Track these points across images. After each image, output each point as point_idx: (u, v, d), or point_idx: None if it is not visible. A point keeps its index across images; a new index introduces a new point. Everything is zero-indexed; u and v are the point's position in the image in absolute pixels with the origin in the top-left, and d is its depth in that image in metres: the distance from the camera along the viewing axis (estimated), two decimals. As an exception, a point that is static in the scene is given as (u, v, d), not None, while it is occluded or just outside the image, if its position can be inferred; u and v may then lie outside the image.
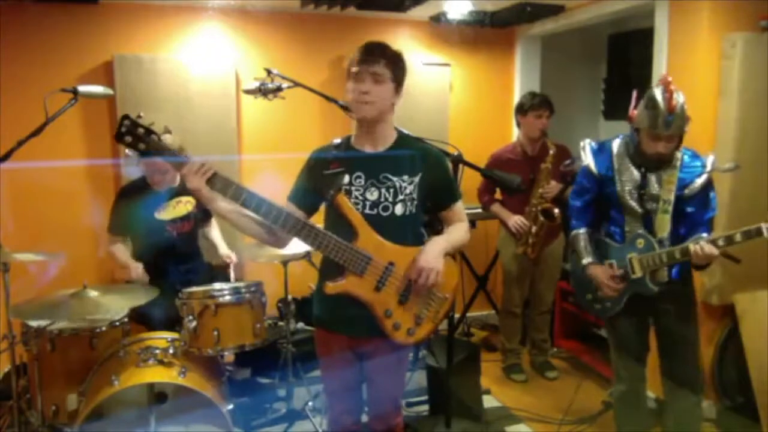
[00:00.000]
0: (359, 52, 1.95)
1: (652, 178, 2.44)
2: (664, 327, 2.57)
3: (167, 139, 3.05)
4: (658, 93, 2.33)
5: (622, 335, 2.62)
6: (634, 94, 2.45)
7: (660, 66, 3.27)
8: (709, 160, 2.44)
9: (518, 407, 3.44)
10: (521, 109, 3.68)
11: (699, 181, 2.41)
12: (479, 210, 3.94)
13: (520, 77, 4.65)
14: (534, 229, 3.61)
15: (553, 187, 3.61)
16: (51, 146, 3.32)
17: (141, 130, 1.84)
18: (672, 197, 2.39)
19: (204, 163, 1.88)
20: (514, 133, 4.19)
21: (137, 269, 2.98)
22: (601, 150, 2.58)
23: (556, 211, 3.54)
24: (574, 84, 5.05)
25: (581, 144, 2.65)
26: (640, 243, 2.45)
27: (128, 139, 1.83)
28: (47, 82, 3.41)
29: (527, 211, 3.64)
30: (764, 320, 2.98)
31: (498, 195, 3.84)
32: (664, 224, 2.41)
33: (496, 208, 3.78)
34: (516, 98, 4.42)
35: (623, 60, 4.75)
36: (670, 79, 2.34)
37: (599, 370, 3.82)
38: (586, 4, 3.85)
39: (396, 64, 1.97)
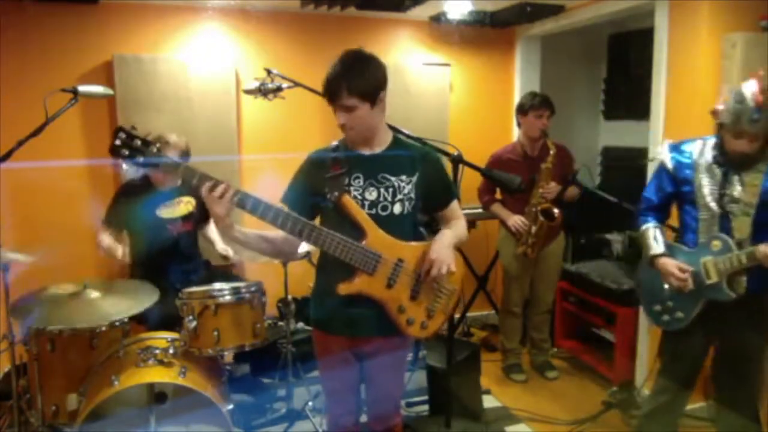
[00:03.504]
0: (324, 87, 1.95)
1: (735, 180, 2.26)
2: (729, 343, 2.37)
3: (171, 139, 3.06)
4: (747, 87, 2.15)
5: (682, 351, 2.45)
6: (724, 87, 2.31)
7: (660, 66, 3.27)
8: None
9: (518, 407, 3.44)
10: (522, 109, 3.68)
11: None
12: (479, 210, 3.94)
13: (520, 77, 4.65)
14: (534, 229, 3.61)
15: (553, 187, 3.60)
16: (51, 146, 3.32)
17: (137, 142, 1.80)
18: (755, 201, 2.21)
19: (221, 183, 1.83)
20: (514, 133, 4.19)
21: (120, 250, 2.97)
22: (679, 149, 2.42)
23: (556, 211, 3.54)
24: (574, 84, 5.06)
25: (660, 146, 2.49)
26: (716, 245, 2.26)
27: (125, 152, 1.79)
28: (47, 82, 3.42)
29: (527, 211, 3.63)
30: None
31: (498, 195, 3.84)
32: (744, 226, 2.22)
33: (496, 207, 3.78)
34: (516, 98, 4.42)
35: (623, 60, 4.76)
36: (762, 73, 2.17)
37: (599, 370, 3.82)
38: (586, 4, 3.85)
39: (362, 84, 1.92)
